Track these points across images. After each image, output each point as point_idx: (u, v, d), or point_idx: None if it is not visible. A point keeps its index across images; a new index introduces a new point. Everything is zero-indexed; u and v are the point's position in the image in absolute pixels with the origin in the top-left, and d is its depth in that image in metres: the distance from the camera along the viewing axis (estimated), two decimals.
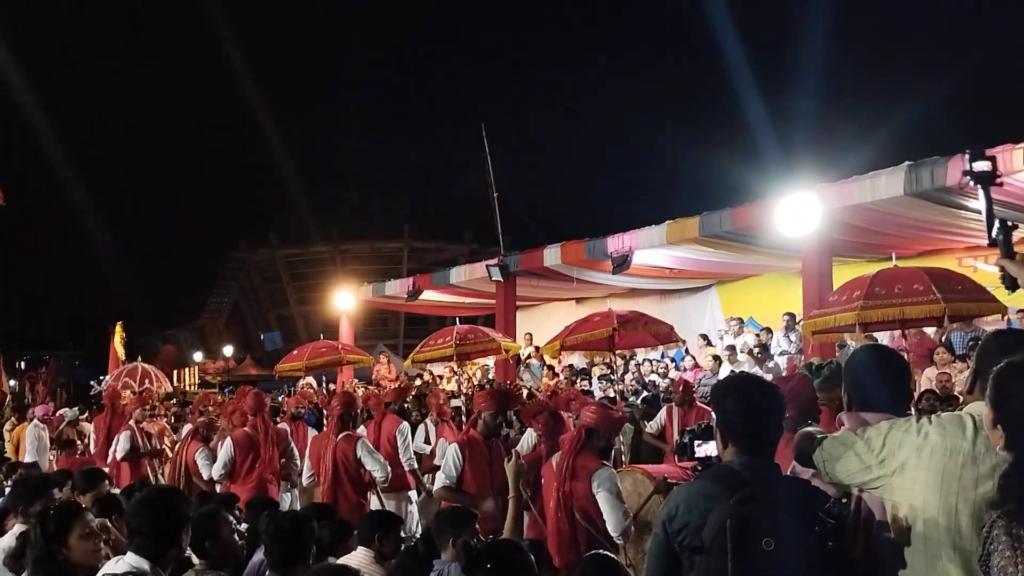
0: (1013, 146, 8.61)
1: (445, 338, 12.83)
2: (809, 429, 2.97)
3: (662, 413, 9.73)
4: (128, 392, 13.58)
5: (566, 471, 4.99)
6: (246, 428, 8.16)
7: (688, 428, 5.67)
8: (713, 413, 3.02)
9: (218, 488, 8.58)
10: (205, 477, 8.36)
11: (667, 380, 13.47)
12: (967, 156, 3.44)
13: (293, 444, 8.83)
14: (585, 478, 4.92)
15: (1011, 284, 3.05)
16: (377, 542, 4.79)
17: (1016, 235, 3.18)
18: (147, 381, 15.84)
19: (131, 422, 10.05)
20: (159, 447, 10.24)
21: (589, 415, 5.16)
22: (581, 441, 5.06)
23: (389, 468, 7.44)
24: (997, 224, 3.15)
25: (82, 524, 3.69)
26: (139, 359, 17.42)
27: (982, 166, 3.41)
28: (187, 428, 10.03)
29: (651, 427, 9.85)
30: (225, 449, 8.05)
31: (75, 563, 3.62)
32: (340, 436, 7.29)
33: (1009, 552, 2.08)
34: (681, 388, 9.66)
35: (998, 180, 3.44)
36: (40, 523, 3.66)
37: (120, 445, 9.90)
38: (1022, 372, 2.24)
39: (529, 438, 8.43)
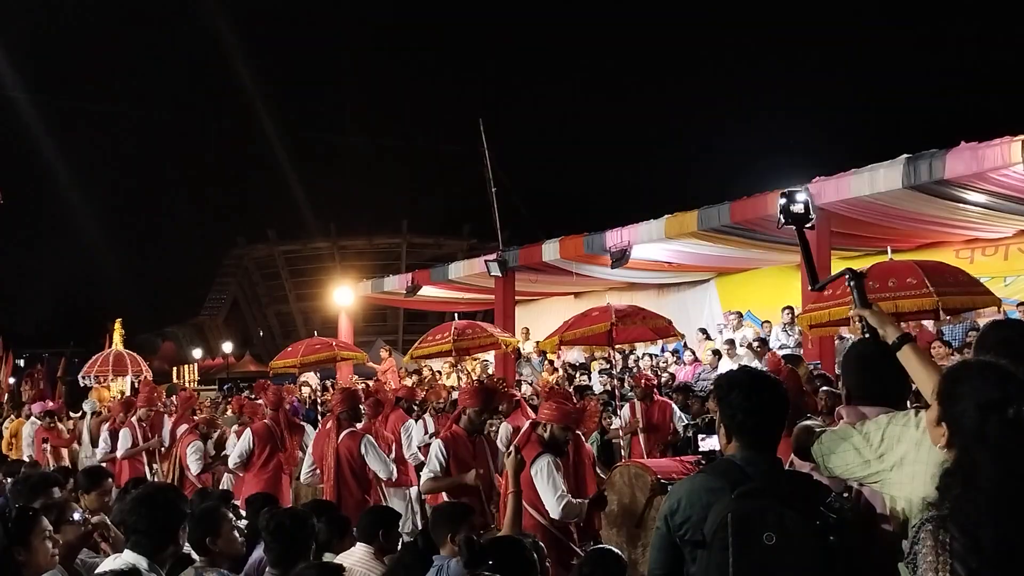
0: (1011, 138, 8.62)
1: (443, 333, 12.84)
2: (808, 423, 2.96)
3: (626, 409, 9.85)
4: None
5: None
6: (266, 421, 8.23)
7: (692, 422, 5.70)
8: (716, 407, 3.02)
9: (227, 478, 8.61)
10: (194, 471, 8.56)
11: (666, 375, 13.49)
12: (782, 199, 3.47)
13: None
14: (527, 467, 5.12)
15: (873, 334, 2.99)
16: (380, 538, 4.80)
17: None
18: (135, 370, 15.80)
19: (133, 419, 10.03)
20: (160, 443, 10.20)
21: (543, 411, 5.56)
22: (527, 435, 5.45)
23: (393, 467, 7.45)
24: (848, 274, 3.11)
25: (41, 528, 3.55)
26: (113, 347, 17.22)
27: (798, 207, 3.42)
28: (168, 425, 10.23)
29: (615, 423, 10.04)
30: (244, 440, 8.12)
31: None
32: (344, 433, 7.26)
33: (932, 557, 2.09)
34: (642, 382, 9.85)
35: (810, 224, 3.51)
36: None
37: (120, 443, 9.90)
38: (975, 373, 2.23)
39: (504, 431, 8.51)
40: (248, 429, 8.27)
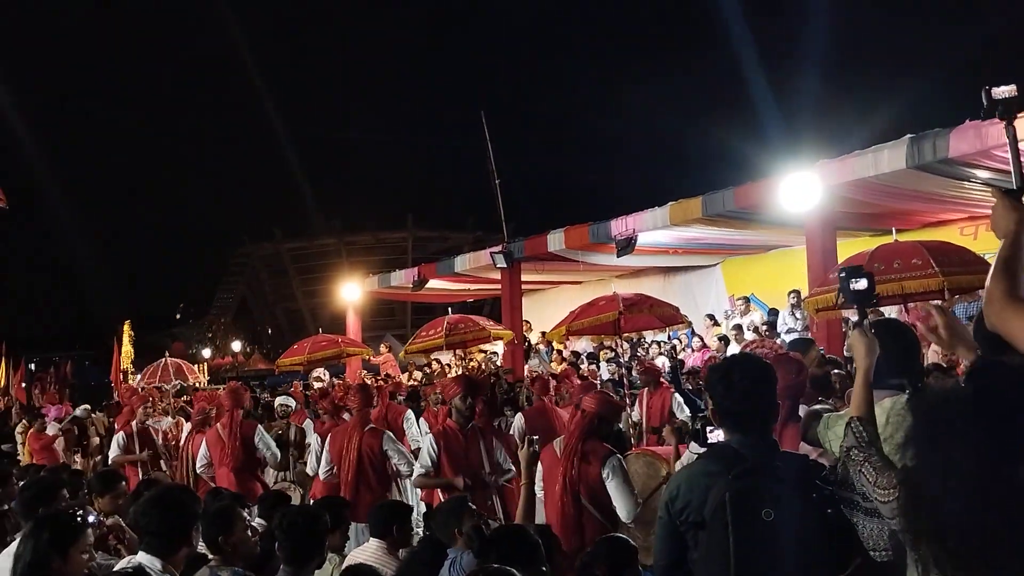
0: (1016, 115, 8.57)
1: (436, 328, 12.96)
2: (816, 408, 2.99)
3: (637, 399, 9.87)
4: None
5: (574, 456, 5.01)
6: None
7: (701, 414, 5.69)
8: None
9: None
10: (207, 473, 8.39)
11: (668, 363, 13.50)
12: (842, 274, 3.03)
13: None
14: (595, 463, 4.97)
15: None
16: (393, 533, 4.81)
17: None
18: (180, 376, 15.92)
19: (132, 423, 10.02)
20: (161, 448, 10.12)
21: (593, 403, 5.22)
22: (589, 427, 5.11)
23: (415, 461, 7.46)
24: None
25: (83, 542, 3.51)
26: (167, 356, 17.42)
27: (861, 285, 2.95)
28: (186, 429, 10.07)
29: (634, 415, 10.02)
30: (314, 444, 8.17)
31: None
32: (366, 429, 7.23)
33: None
34: (646, 368, 9.90)
35: (874, 301, 3.10)
36: (40, 528, 3.47)
37: (112, 448, 9.92)
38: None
39: (518, 422, 8.52)
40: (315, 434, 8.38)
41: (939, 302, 2.60)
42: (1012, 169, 2.75)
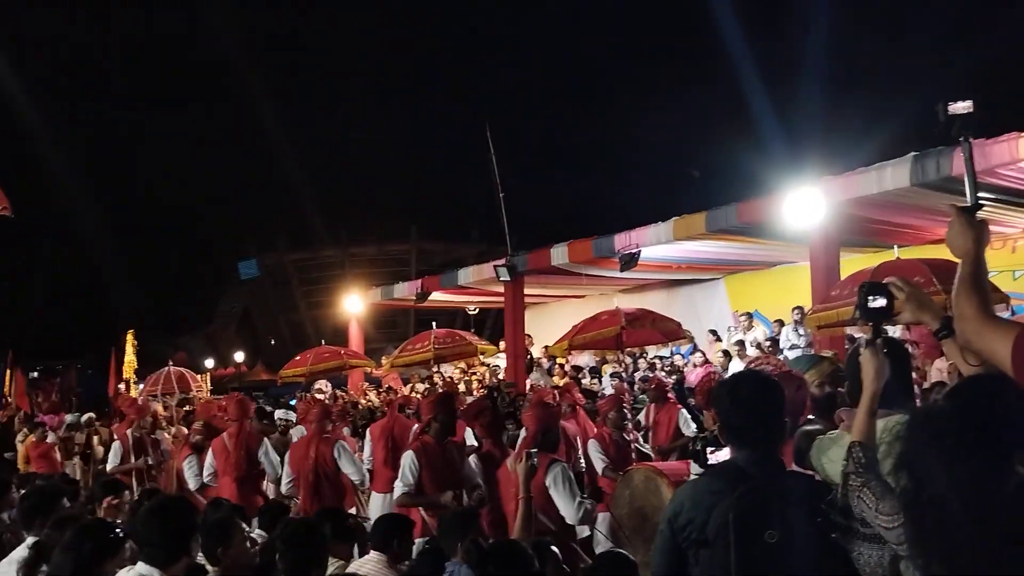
0: (1018, 134, 8.61)
1: (424, 342, 13.02)
2: (808, 428, 2.97)
3: (643, 414, 9.86)
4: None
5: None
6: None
7: (701, 435, 5.69)
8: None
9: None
10: (192, 487, 8.29)
11: (673, 377, 13.49)
12: (860, 290, 2.81)
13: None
14: (540, 472, 5.07)
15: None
16: (394, 546, 4.80)
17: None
18: (183, 386, 15.90)
19: (128, 431, 10.01)
20: (151, 458, 10.00)
21: (531, 419, 5.51)
22: (532, 442, 5.34)
23: (366, 471, 7.49)
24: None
25: (120, 555, 3.54)
26: (170, 364, 17.43)
27: (879, 303, 2.77)
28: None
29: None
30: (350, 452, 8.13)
31: None
32: (319, 439, 7.32)
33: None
34: (655, 385, 9.92)
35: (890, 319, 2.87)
36: (83, 539, 3.46)
37: (110, 458, 9.92)
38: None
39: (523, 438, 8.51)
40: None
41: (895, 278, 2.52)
42: (967, 186, 2.82)
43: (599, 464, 7.73)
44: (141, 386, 17.57)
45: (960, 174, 9.08)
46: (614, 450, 7.83)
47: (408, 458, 6.16)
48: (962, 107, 2.69)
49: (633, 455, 8.03)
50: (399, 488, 6.15)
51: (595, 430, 8.43)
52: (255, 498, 7.90)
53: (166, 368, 16.71)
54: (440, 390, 14.34)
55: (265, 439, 8.40)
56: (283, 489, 7.64)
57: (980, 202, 2.74)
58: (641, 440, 9.56)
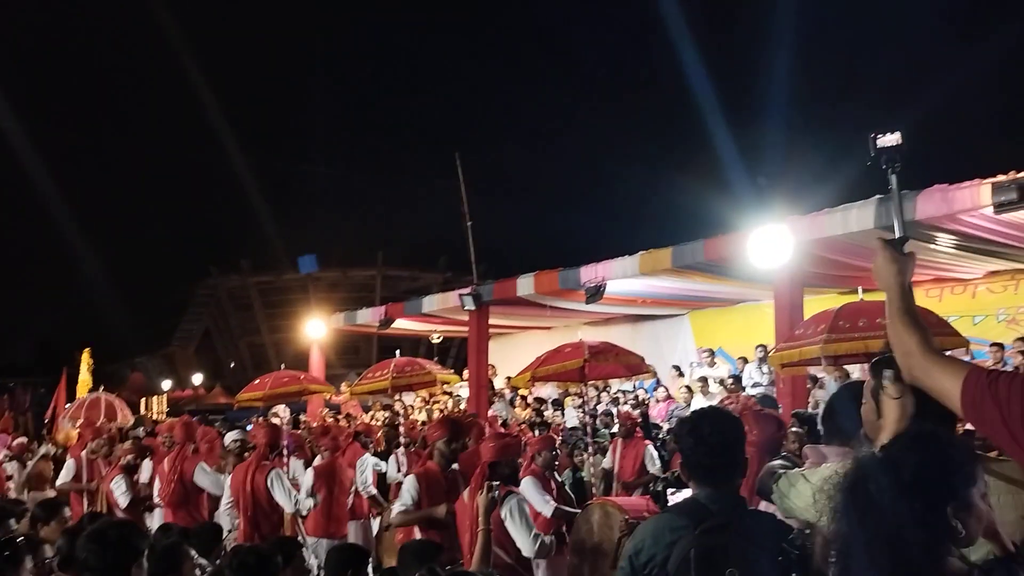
0: (980, 181, 8.71)
1: (383, 370, 12.92)
2: (773, 464, 2.96)
3: (609, 449, 9.86)
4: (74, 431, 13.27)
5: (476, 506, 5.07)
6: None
7: (662, 476, 5.67)
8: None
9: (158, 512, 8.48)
10: (122, 506, 8.30)
11: (637, 412, 13.47)
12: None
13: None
14: (496, 506, 5.05)
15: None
16: None
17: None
18: (109, 417, 15.42)
19: (82, 452, 9.82)
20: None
21: (488, 451, 5.46)
22: (486, 475, 5.29)
23: (300, 502, 7.45)
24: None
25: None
26: (101, 389, 17.06)
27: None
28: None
29: (605, 463, 9.93)
30: (307, 479, 8.25)
31: None
32: (256, 467, 7.27)
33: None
34: (626, 420, 10.02)
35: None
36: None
37: (63, 474, 9.74)
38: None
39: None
40: (310, 470, 8.49)
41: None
42: (894, 219, 2.84)
43: (545, 504, 7.36)
44: (68, 407, 17.03)
45: (925, 218, 9.24)
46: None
47: (410, 481, 6.14)
48: (891, 140, 2.65)
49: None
50: (397, 507, 6.13)
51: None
52: (191, 523, 7.80)
53: (95, 394, 16.31)
54: (431, 417, 14.21)
55: (201, 462, 8.37)
56: (221, 510, 7.63)
57: (907, 235, 2.76)
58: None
